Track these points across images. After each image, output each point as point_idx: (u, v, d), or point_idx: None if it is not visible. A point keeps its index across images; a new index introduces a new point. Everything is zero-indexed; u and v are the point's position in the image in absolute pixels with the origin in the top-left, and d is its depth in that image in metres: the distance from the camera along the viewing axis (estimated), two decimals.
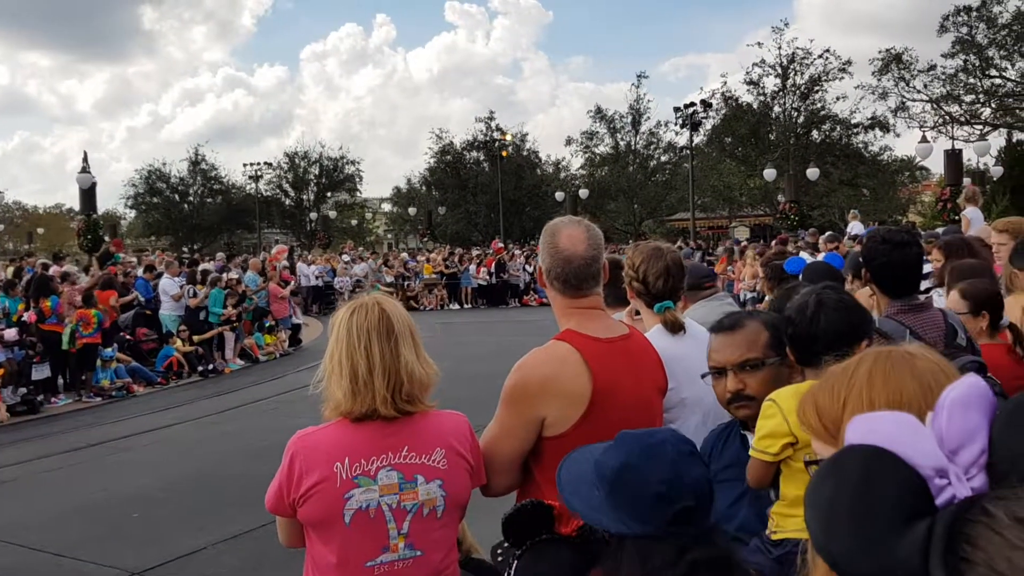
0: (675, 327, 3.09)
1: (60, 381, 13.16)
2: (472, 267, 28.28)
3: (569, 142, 53.36)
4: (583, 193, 43.46)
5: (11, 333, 12.10)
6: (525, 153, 57.45)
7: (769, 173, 33.78)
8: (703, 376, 2.58)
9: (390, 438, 2.23)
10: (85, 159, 25.20)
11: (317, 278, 26.78)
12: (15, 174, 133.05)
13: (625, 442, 1.64)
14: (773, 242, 22.63)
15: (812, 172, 33.00)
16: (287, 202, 59.54)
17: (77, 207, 30.14)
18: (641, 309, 3.33)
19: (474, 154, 56.72)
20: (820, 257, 9.79)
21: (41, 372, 12.61)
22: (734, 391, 2.44)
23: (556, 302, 2.55)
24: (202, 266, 18.52)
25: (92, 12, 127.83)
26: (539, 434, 2.38)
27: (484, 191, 52.60)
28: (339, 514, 2.16)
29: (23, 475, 8.65)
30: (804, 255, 7.32)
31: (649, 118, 51.82)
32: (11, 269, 17.76)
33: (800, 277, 4.67)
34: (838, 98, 42.51)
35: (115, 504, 7.41)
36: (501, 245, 32.71)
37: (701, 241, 33.66)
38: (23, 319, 12.63)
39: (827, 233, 13.75)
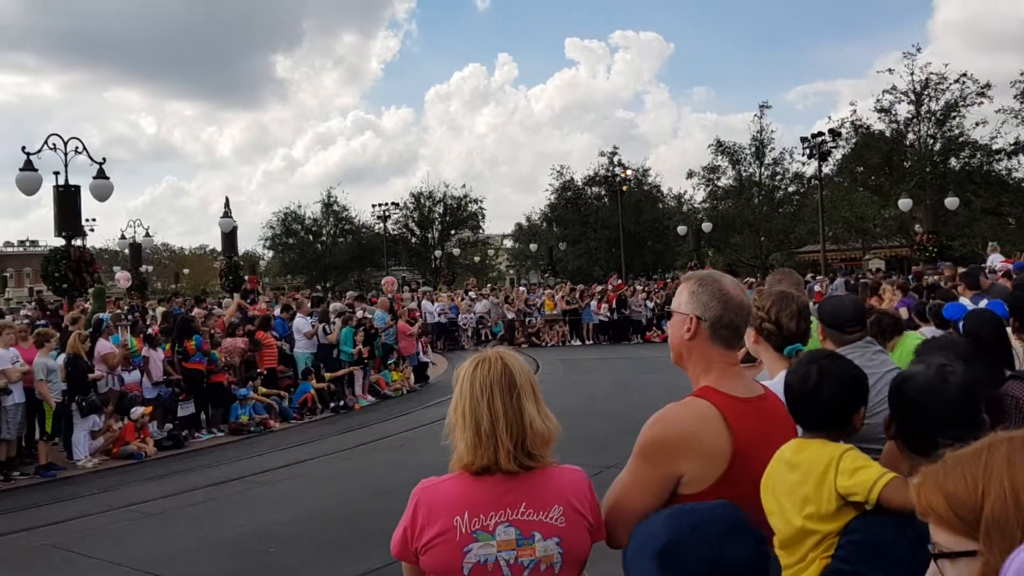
0: None
1: (203, 417, 13.89)
2: (593, 303, 28.22)
3: (691, 175, 52.62)
4: (706, 226, 42.65)
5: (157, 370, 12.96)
6: (646, 187, 57.11)
7: (905, 203, 32.36)
8: None
9: (509, 494, 2.25)
10: (227, 204, 26.80)
11: (440, 315, 27.32)
12: (162, 217, 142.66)
13: (674, 517, 1.61)
14: (910, 275, 21.63)
15: (951, 201, 31.40)
16: (413, 240, 61.31)
17: (220, 248, 31.86)
18: (765, 354, 3.26)
19: (595, 189, 56.81)
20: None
21: (186, 409, 13.37)
22: None
23: (703, 354, 2.45)
24: (333, 305, 19.21)
25: (230, 62, 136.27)
26: (673, 491, 2.32)
27: (605, 226, 52.52)
28: (458, 567, 2.20)
29: (169, 508, 9.15)
30: (965, 300, 6.82)
31: (773, 148, 50.65)
32: (160, 310, 18.98)
33: (960, 326, 4.30)
34: (977, 123, 40.39)
35: (253, 538, 7.74)
36: (620, 281, 32.50)
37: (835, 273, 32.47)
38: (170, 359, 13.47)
39: (946, 263, 12.95)
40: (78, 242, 16.90)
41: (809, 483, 2.12)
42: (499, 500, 2.24)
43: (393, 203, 56.95)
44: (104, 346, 12.57)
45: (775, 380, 2.96)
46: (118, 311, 17.19)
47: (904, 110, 41.38)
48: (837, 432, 2.21)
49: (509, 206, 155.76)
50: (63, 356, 11.60)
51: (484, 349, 2.47)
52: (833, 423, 2.22)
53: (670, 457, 2.30)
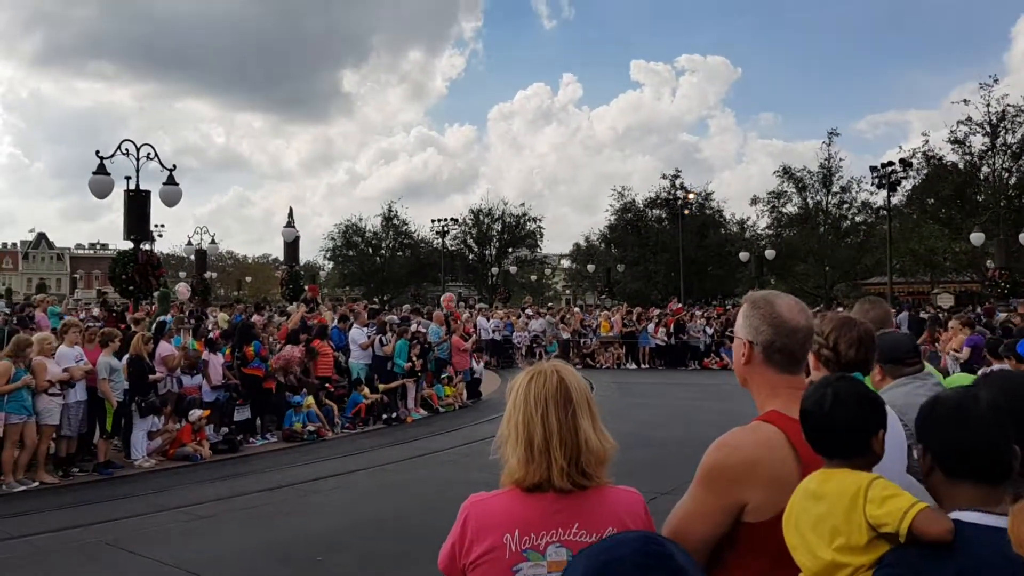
0: None
1: (258, 422, 14.05)
2: (651, 326, 27.91)
3: (755, 201, 51.93)
4: (769, 254, 41.97)
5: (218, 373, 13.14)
6: (709, 211, 56.55)
7: (977, 237, 31.45)
8: (910, 446, 2.39)
9: (561, 513, 2.17)
10: (291, 214, 27.29)
11: (495, 332, 27.30)
12: (227, 225, 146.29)
13: (582, 559, 1.49)
14: (980, 310, 20.93)
15: None
16: (471, 257, 61.63)
17: (281, 258, 32.41)
18: None
19: (656, 211, 56.45)
20: None
21: (243, 413, 13.54)
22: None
23: (764, 378, 2.38)
24: (388, 317, 19.35)
25: (299, 76, 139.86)
26: (737, 518, 2.23)
27: (664, 249, 52.07)
28: None
29: (220, 511, 9.24)
30: None
31: (841, 177, 49.73)
32: (222, 316, 19.33)
33: None
34: None
35: (301, 545, 7.75)
36: (679, 306, 32.12)
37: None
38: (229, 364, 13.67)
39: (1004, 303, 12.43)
40: (146, 246, 17.33)
41: (837, 514, 2.00)
42: (551, 519, 2.16)
43: (452, 219, 57.41)
44: (165, 348, 12.82)
45: None
46: (180, 315, 17.54)
47: (979, 142, 40.29)
48: (859, 458, 2.09)
49: (567, 225, 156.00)
50: (126, 356, 11.84)
51: (540, 362, 2.40)
52: (853, 448, 2.10)
53: (733, 484, 2.21)
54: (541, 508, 2.17)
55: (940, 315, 21.26)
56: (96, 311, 25.85)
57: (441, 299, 28.56)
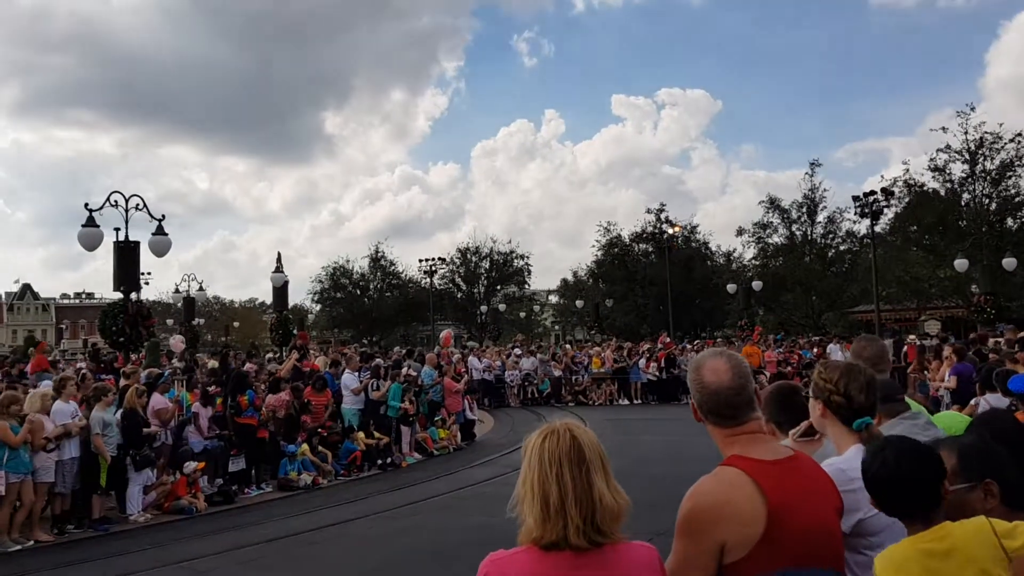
0: None
1: (253, 472, 13.93)
2: (642, 361, 27.91)
3: (740, 232, 52.36)
4: (756, 285, 42.21)
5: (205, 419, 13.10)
6: (695, 244, 56.88)
7: (960, 263, 31.77)
8: None
9: (578, 571, 2.20)
10: (279, 260, 27.29)
11: (486, 371, 27.23)
12: (213, 270, 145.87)
13: None
14: (973, 335, 21.07)
15: (1009, 262, 30.75)
16: (459, 295, 61.61)
17: (269, 301, 32.32)
18: (832, 429, 3.17)
19: (642, 246, 56.74)
20: None
21: (237, 464, 13.43)
22: None
23: (715, 434, 2.58)
24: (376, 361, 19.24)
25: (281, 118, 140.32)
26: (720, 561, 2.33)
27: (652, 283, 52.28)
28: None
29: (220, 566, 9.15)
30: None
31: (825, 207, 50.25)
32: (212, 363, 19.21)
33: None
34: None
35: None
36: (669, 340, 32.18)
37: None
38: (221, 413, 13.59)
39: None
40: (135, 296, 17.26)
41: (978, 562, 2.06)
42: None
43: (440, 258, 57.49)
44: (159, 401, 12.75)
45: (846, 456, 2.88)
46: (176, 366, 17.46)
47: (959, 169, 40.82)
48: (936, 509, 2.15)
49: (554, 260, 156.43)
50: (119, 411, 11.77)
51: (546, 418, 2.46)
52: (931, 501, 2.16)
53: (708, 528, 2.36)
54: (559, 567, 2.20)
55: (927, 342, 21.42)
56: (81, 364, 25.63)
57: (440, 336, 28.52)
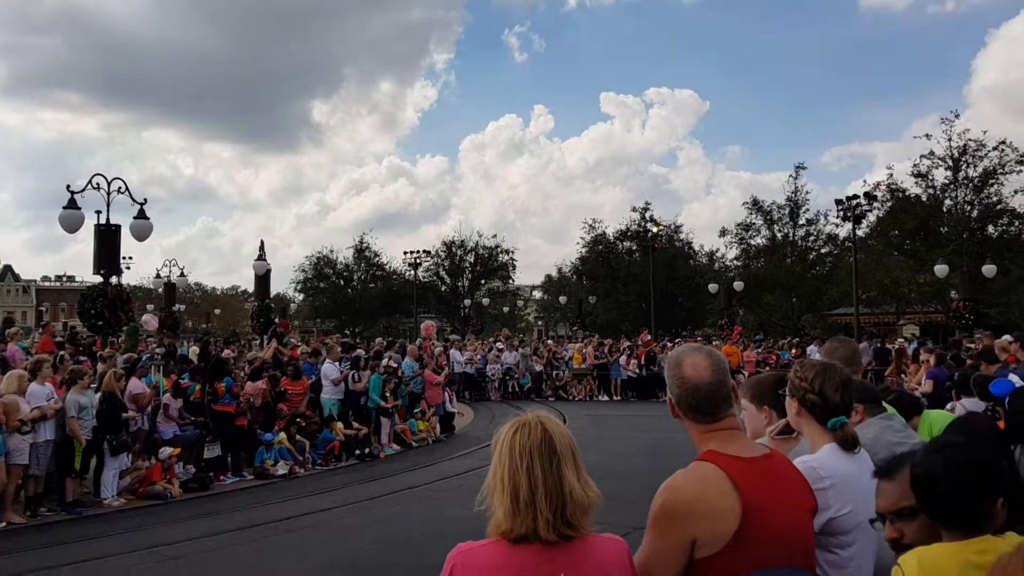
0: (853, 443, 2.97)
1: (229, 460, 13.88)
2: (622, 358, 28.00)
3: (724, 233, 52.65)
4: (738, 285, 42.46)
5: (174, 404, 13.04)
6: (678, 243, 57.07)
7: (940, 269, 32.03)
8: (871, 522, 2.48)
9: (547, 565, 2.20)
10: (262, 247, 27.08)
11: (467, 364, 27.24)
12: (195, 257, 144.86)
13: None
14: (950, 340, 21.26)
15: (988, 269, 31.05)
16: (443, 288, 61.51)
17: (251, 289, 32.13)
18: (808, 427, 3.20)
19: (626, 244, 56.88)
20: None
21: (212, 451, 13.37)
22: (891, 539, 2.41)
23: (692, 430, 2.57)
24: (357, 352, 19.21)
25: (268, 105, 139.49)
26: (690, 557, 2.33)
27: (635, 281, 52.42)
28: None
29: (192, 552, 9.10)
30: (1014, 377, 6.58)
31: (808, 209, 50.58)
32: (194, 349, 19.13)
33: (1007, 403, 4.28)
34: (1016, 191, 40.08)
35: None
36: (649, 337, 32.31)
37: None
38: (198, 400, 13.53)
39: (1014, 333, 12.61)
40: (115, 280, 17.15)
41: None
42: (537, 571, 2.19)
43: (425, 251, 57.33)
44: (136, 385, 12.67)
45: (819, 454, 2.91)
46: (156, 351, 17.36)
47: (941, 176, 41.19)
48: (984, 523, 2.15)
49: (539, 256, 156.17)
50: (98, 394, 11.69)
51: (524, 412, 2.45)
52: (982, 515, 2.15)
53: (680, 523, 2.34)
54: (527, 560, 2.20)
55: (907, 345, 21.60)
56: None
57: (422, 327, 28.47)
